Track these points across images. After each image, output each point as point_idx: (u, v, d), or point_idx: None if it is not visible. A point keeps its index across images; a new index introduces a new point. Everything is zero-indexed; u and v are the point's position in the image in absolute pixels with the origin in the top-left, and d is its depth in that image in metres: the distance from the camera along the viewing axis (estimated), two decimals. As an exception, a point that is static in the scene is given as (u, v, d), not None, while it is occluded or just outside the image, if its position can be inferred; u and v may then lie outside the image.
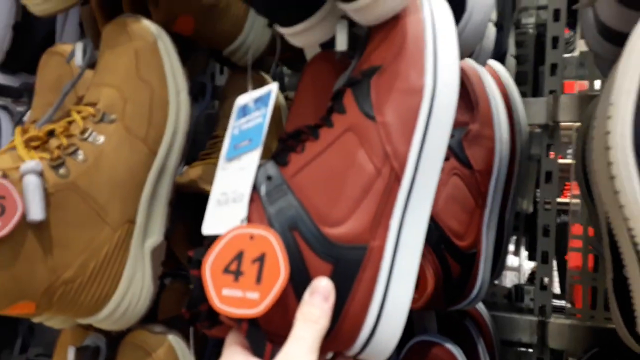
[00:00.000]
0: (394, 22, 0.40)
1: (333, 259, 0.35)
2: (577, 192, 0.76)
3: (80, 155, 0.49)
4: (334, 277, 0.35)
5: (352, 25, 0.44)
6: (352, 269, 0.36)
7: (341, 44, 0.44)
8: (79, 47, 0.57)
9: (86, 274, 0.48)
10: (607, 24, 0.50)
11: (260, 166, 0.37)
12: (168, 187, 0.54)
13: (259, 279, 0.33)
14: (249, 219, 0.35)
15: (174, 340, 0.58)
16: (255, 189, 0.36)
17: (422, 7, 0.40)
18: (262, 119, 0.39)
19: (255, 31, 0.69)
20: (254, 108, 0.41)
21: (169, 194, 0.54)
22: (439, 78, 0.38)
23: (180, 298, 0.82)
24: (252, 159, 0.38)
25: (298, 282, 0.35)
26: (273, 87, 0.40)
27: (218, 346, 0.79)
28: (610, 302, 0.54)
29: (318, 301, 0.34)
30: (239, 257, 0.34)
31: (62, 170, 0.47)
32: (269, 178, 0.37)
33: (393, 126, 0.37)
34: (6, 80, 0.95)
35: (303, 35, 0.44)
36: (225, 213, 0.37)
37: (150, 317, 0.78)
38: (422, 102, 0.37)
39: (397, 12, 0.40)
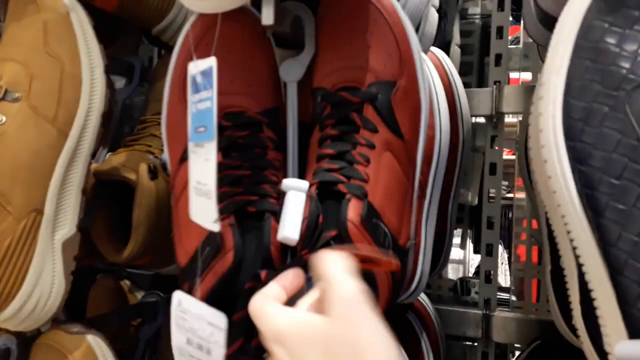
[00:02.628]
0: (377, 23, 0.41)
1: (400, 259, 0.42)
2: (521, 185, 0.76)
3: (-22, 137, 0.44)
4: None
5: (279, -2, 0.41)
6: (408, 261, 0.45)
7: (267, 17, 0.41)
8: (-18, 18, 0.51)
9: (-16, 269, 0.44)
10: (546, 10, 0.49)
11: (347, 201, 0.39)
12: (81, 174, 0.49)
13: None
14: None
15: (93, 340, 0.54)
16: (362, 223, 0.39)
17: (395, 6, 0.41)
18: (210, 103, 0.37)
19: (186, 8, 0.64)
20: (202, 84, 0.38)
21: (82, 181, 0.50)
22: (425, 93, 0.43)
23: (109, 294, 0.77)
24: (211, 151, 0.37)
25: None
26: (213, 63, 0.37)
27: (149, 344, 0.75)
28: (549, 294, 0.53)
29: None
30: None
31: (-46, 153, 0.42)
32: (370, 217, 0.40)
33: (412, 142, 0.43)
34: None
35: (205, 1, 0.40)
36: (202, 206, 0.37)
37: (78, 315, 0.73)
38: (422, 117, 0.43)
39: None
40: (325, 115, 0.42)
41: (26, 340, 0.55)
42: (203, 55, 0.42)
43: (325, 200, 0.40)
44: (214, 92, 0.37)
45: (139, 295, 0.79)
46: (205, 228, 0.37)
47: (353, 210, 0.38)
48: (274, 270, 0.37)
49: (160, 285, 0.80)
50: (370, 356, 0.26)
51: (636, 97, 0.27)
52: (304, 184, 0.40)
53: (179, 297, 0.39)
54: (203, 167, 0.37)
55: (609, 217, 0.27)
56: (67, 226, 0.49)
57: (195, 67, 0.39)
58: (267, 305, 0.32)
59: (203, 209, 0.37)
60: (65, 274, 0.49)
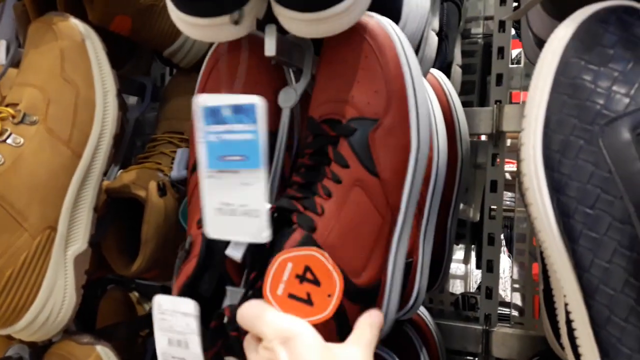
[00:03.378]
0: (368, 57, 0.42)
1: (360, 301, 0.41)
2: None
3: (-3, 158, 0.46)
4: (362, 312, 0.40)
5: (281, 31, 0.43)
6: (372, 303, 0.43)
7: (270, 49, 0.43)
8: (2, 44, 0.54)
9: (1, 281, 0.46)
10: (539, 36, 0.51)
11: (287, 230, 0.39)
12: (93, 192, 0.52)
13: (318, 283, 0.37)
14: None
15: (102, 350, 0.56)
16: None
17: (394, 44, 0.42)
18: (253, 136, 0.39)
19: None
20: (234, 118, 0.39)
21: (94, 200, 0.52)
22: (420, 134, 0.42)
23: (119, 306, 0.80)
24: (257, 178, 0.39)
25: (340, 324, 0.39)
26: (257, 102, 0.38)
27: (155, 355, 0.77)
28: (542, 311, 0.55)
29: (377, 321, 0.39)
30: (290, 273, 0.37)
31: (-25, 173, 0.45)
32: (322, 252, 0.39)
33: (390, 180, 0.42)
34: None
35: (213, 30, 0.42)
36: (237, 223, 0.39)
37: (88, 325, 0.75)
38: (410, 157, 0.42)
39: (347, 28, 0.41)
40: (306, 144, 0.44)
41: (38, 350, 0.58)
42: (214, 82, 0.45)
43: (283, 227, 0.40)
44: (259, 129, 0.38)
45: (147, 306, 0.81)
46: (244, 242, 0.40)
47: (291, 242, 0.38)
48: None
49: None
50: None
51: (609, 131, 0.29)
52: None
53: (158, 300, 0.42)
54: (237, 190, 0.39)
55: (582, 245, 0.29)
56: (79, 242, 0.51)
57: (220, 100, 0.40)
58: (268, 309, 0.35)
59: (240, 226, 0.39)
60: (77, 288, 0.51)
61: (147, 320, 0.77)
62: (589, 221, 0.29)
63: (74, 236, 0.51)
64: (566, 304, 0.32)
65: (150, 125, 0.78)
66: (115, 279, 0.84)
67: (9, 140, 0.47)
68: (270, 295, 0.36)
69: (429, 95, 0.62)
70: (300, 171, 0.43)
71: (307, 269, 0.37)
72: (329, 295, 0.36)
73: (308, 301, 0.36)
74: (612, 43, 0.31)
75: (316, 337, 0.34)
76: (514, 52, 1.00)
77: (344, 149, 0.41)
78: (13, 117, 0.48)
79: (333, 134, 0.42)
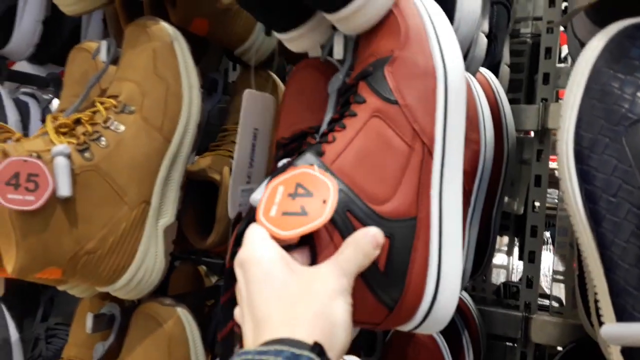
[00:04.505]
0: (389, 19, 0.44)
1: (388, 234, 0.38)
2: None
3: (103, 141, 0.55)
4: (391, 252, 0.38)
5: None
6: (407, 241, 0.39)
7: (338, 53, 0.49)
8: (104, 45, 0.63)
9: (106, 246, 0.55)
10: (582, 40, 0.55)
11: (298, 158, 0.39)
12: (180, 173, 0.60)
13: (310, 194, 0.35)
14: None
15: (182, 313, 0.64)
16: None
17: (414, 3, 0.44)
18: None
19: (264, 34, 0.75)
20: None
21: (180, 179, 0.60)
22: (446, 60, 0.42)
23: (187, 279, 0.89)
24: None
25: None
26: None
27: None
28: (576, 296, 0.59)
29: (370, 240, 0.36)
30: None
31: (87, 154, 0.53)
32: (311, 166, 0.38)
33: (415, 106, 0.40)
34: (35, 70, 1.02)
35: (297, 42, 0.50)
36: None
37: (161, 294, 0.84)
38: (437, 82, 0.41)
39: (375, 22, 0.44)
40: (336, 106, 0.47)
41: (126, 309, 0.67)
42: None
43: None
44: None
45: (214, 279, 0.90)
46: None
47: (299, 161, 0.38)
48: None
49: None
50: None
51: (631, 131, 0.34)
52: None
53: None
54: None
55: (605, 227, 0.34)
56: (168, 215, 0.60)
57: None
58: (251, 234, 0.34)
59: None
60: (165, 254, 0.60)
61: (213, 291, 0.86)
62: (612, 207, 0.34)
63: (164, 210, 0.59)
64: (591, 279, 0.38)
65: (213, 117, 0.86)
66: (181, 257, 0.93)
67: (112, 127, 0.56)
68: (263, 218, 0.35)
69: (477, 91, 0.66)
70: (329, 126, 0.44)
71: (299, 185, 0.35)
72: (324, 202, 0.34)
73: (302, 213, 0.34)
74: (638, 55, 0.36)
75: (275, 261, 0.32)
76: (564, 50, 1.02)
77: (362, 89, 0.42)
78: (115, 107, 0.57)
79: (353, 82, 0.43)
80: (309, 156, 0.39)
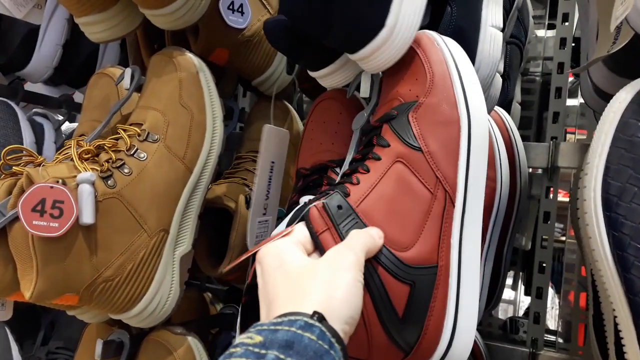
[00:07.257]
0: (414, 60, 0.45)
1: (410, 281, 0.39)
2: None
3: (126, 169, 0.55)
4: (411, 299, 0.39)
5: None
6: (427, 289, 0.40)
7: (365, 91, 0.51)
8: (127, 72, 0.64)
9: (124, 274, 0.55)
10: (597, 85, 0.56)
11: (324, 196, 0.41)
12: (199, 202, 0.60)
13: None
14: (325, 247, 0.38)
15: (192, 341, 0.64)
16: (328, 216, 0.39)
17: (439, 46, 0.45)
18: None
19: (282, 65, 0.76)
20: None
21: (199, 208, 0.61)
22: (470, 109, 0.43)
23: (192, 305, 0.88)
24: None
25: (380, 305, 0.38)
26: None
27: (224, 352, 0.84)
28: (590, 336, 0.59)
29: (377, 231, 0.38)
30: None
31: (110, 181, 0.54)
32: (339, 207, 0.40)
33: (438, 154, 0.42)
34: (49, 92, 1.03)
35: (328, 78, 0.51)
36: None
37: (168, 321, 0.83)
38: (461, 131, 0.42)
39: (396, 61, 0.46)
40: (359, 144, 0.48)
41: (136, 336, 0.66)
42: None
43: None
44: None
45: (219, 307, 0.89)
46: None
47: (323, 200, 0.40)
48: None
49: (233, 298, 0.90)
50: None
51: (660, 181, 0.35)
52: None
53: None
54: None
55: (634, 274, 0.35)
56: (185, 244, 0.60)
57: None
58: (282, 240, 0.36)
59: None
60: (180, 283, 0.60)
61: (218, 320, 0.85)
62: (640, 255, 0.35)
63: (182, 238, 0.59)
64: (617, 324, 0.38)
65: (230, 144, 0.87)
66: (186, 282, 0.92)
67: (135, 155, 0.56)
68: None
69: (493, 129, 0.67)
70: (351, 165, 0.46)
71: None
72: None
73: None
74: (666, 107, 0.37)
75: (287, 249, 0.35)
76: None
77: (386, 133, 0.43)
78: (139, 135, 0.57)
79: (377, 124, 0.45)
80: (335, 197, 0.40)
